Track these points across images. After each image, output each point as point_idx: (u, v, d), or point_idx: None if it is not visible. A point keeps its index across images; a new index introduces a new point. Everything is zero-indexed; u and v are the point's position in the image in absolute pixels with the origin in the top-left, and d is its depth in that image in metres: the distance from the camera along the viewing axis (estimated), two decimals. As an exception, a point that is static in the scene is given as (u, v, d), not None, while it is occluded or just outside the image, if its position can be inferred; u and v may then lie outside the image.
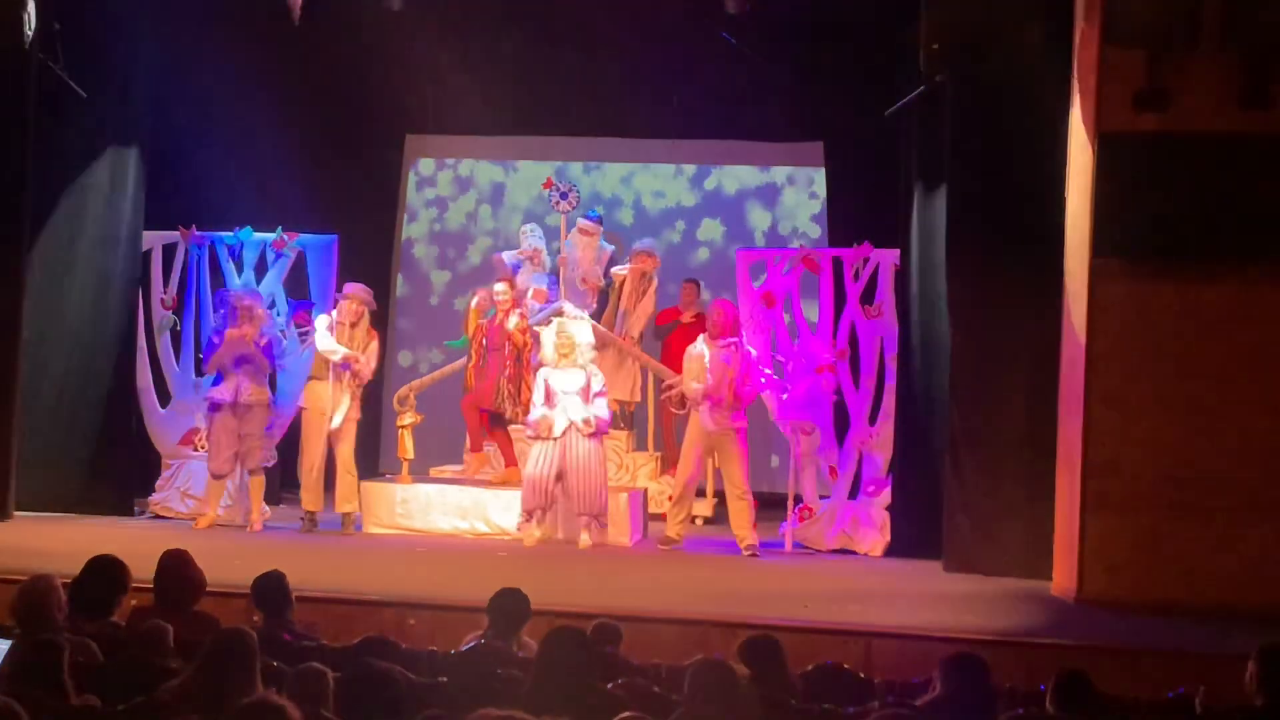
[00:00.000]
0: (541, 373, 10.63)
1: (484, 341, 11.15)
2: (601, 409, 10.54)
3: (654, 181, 14.38)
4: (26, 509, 10.91)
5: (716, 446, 10.60)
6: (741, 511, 10.51)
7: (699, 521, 11.84)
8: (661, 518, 11.08)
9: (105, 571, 6.18)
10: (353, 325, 10.92)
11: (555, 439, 10.42)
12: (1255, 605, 8.52)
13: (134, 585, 6.81)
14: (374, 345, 11.09)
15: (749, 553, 10.41)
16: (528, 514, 10.51)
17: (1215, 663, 7.18)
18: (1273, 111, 8.74)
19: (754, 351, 10.65)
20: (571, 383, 10.52)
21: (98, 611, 5.97)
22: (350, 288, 11.10)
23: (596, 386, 10.57)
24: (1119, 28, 8.77)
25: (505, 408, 11.06)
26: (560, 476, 10.42)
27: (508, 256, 12.40)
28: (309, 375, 11.18)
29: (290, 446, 11.71)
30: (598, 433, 10.47)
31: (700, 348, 10.60)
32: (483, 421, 11.36)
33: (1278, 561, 8.75)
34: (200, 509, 11.06)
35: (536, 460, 10.48)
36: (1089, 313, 9.02)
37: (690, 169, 14.32)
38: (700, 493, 11.78)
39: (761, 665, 4.85)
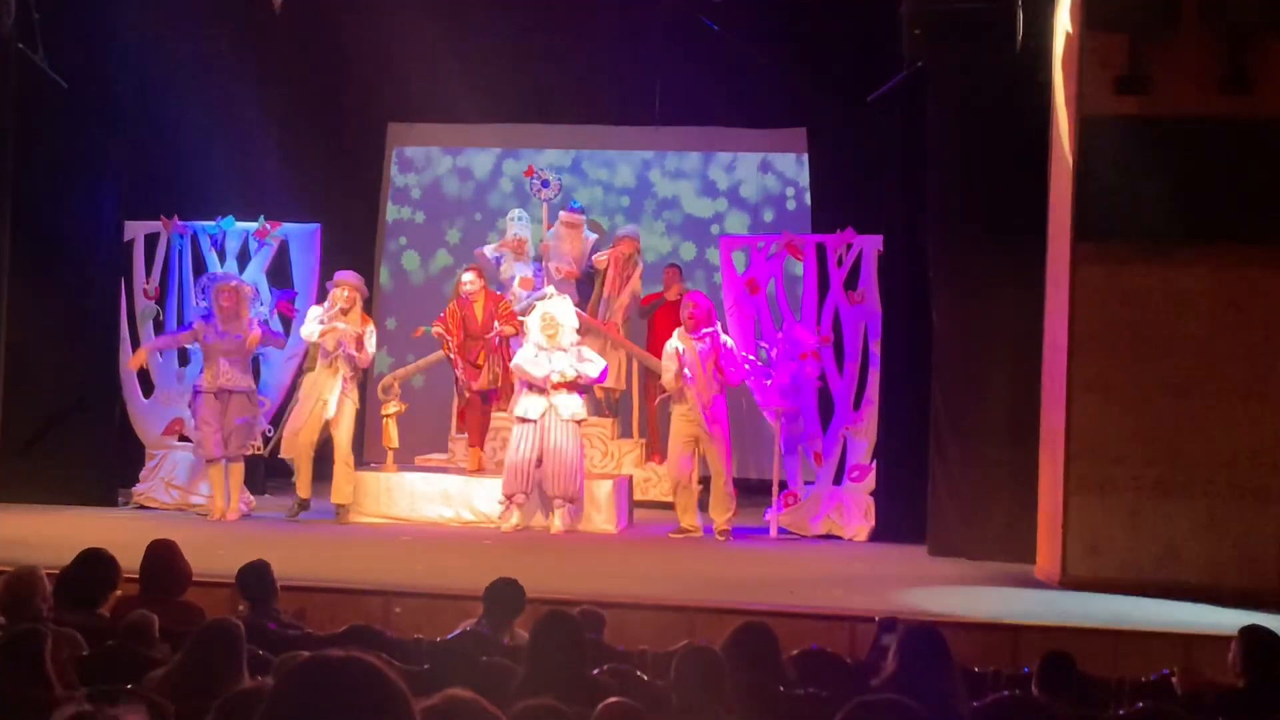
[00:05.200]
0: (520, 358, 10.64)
1: (461, 327, 11.15)
2: (591, 370, 10.63)
3: (636, 167, 14.37)
4: (9, 499, 10.91)
5: (700, 438, 10.62)
6: (721, 500, 10.57)
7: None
8: (645, 504, 11.15)
9: (96, 565, 6.15)
10: (345, 312, 10.86)
11: (534, 421, 10.45)
12: (1237, 586, 8.57)
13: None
14: (370, 330, 11.04)
15: (722, 538, 10.49)
16: (508, 498, 10.55)
17: (1198, 644, 7.23)
18: (1252, 95, 8.77)
19: (730, 341, 10.63)
20: (561, 362, 10.54)
21: (84, 604, 5.95)
22: (341, 275, 11.05)
23: (589, 371, 10.64)
24: (1099, 12, 8.80)
25: (497, 381, 11.10)
26: (540, 461, 10.46)
27: (489, 250, 12.36)
28: (303, 368, 11.17)
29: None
30: (576, 384, 10.57)
31: (677, 343, 10.57)
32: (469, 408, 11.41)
33: (1259, 542, 8.79)
34: (203, 502, 11.05)
35: (517, 445, 10.51)
36: (1071, 296, 9.04)
37: (672, 155, 14.30)
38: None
39: (753, 651, 4.83)
